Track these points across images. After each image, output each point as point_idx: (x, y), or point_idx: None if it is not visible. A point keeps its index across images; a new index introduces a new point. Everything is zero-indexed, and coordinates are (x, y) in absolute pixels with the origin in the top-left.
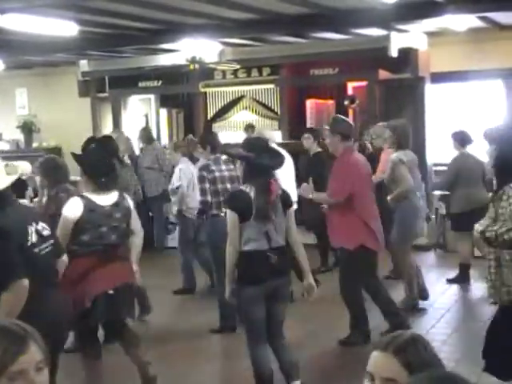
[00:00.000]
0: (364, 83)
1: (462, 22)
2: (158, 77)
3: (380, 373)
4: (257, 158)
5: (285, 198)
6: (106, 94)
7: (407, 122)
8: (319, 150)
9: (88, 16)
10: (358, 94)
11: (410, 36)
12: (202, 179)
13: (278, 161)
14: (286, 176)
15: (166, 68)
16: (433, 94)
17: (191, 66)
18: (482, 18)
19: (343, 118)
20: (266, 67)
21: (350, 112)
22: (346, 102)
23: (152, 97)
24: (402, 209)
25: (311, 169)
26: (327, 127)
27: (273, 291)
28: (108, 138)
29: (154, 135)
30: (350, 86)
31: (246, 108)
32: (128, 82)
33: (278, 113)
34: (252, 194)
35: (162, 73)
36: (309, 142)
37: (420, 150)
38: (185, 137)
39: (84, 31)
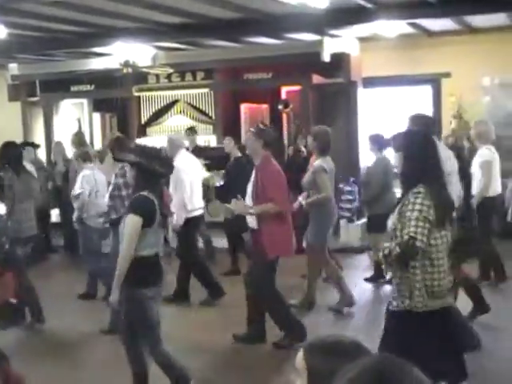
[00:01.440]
0: (297, 88)
1: (393, 28)
2: (91, 81)
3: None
4: (151, 165)
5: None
6: (37, 98)
7: (329, 129)
8: (239, 154)
9: (17, 18)
10: (292, 98)
11: (343, 41)
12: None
13: (169, 168)
14: (197, 182)
15: (98, 72)
16: (365, 98)
17: (124, 70)
18: (412, 25)
19: (269, 126)
20: (200, 71)
21: (284, 116)
22: (280, 107)
23: (85, 101)
24: (316, 215)
25: (230, 173)
26: (252, 129)
27: (159, 292)
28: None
29: (88, 140)
30: (284, 91)
31: (181, 112)
32: (60, 86)
33: (213, 117)
34: (156, 201)
35: (94, 77)
36: (229, 147)
37: (353, 153)
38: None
39: (13, 34)
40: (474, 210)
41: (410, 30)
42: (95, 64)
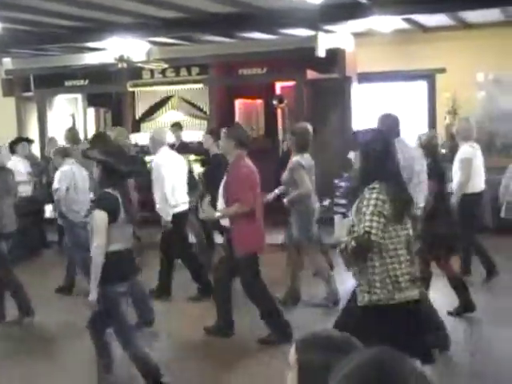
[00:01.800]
0: (292, 83)
1: (388, 23)
2: (85, 76)
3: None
4: (115, 163)
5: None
6: (31, 93)
7: (309, 127)
8: (217, 151)
9: (11, 13)
10: (286, 93)
11: (337, 37)
12: None
13: (134, 168)
14: (180, 177)
15: (93, 67)
16: (359, 93)
17: (119, 65)
18: (407, 20)
19: (241, 125)
20: (195, 67)
21: (279, 111)
22: (275, 102)
23: (79, 96)
24: (297, 212)
25: (208, 170)
26: (224, 129)
27: (128, 287)
28: None
29: (82, 135)
30: (279, 86)
31: (175, 108)
32: (54, 81)
33: (207, 112)
34: (119, 198)
35: (89, 72)
36: (208, 143)
37: (347, 149)
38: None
39: (7, 28)
40: (450, 206)
41: (404, 25)
42: (90, 59)
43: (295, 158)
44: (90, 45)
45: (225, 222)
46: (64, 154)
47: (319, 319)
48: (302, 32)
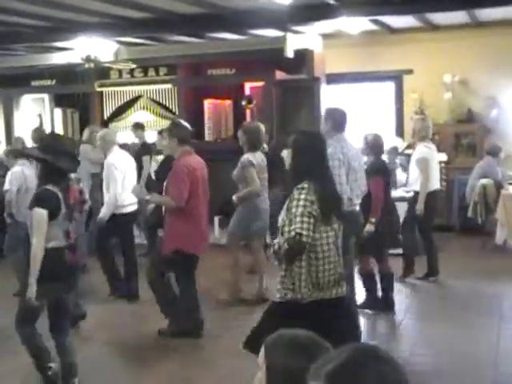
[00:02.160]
0: (261, 84)
1: (356, 24)
2: (52, 76)
3: None
4: (55, 161)
5: (82, 201)
6: None
7: (261, 126)
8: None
9: None
10: (255, 94)
11: (306, 37)
12: None
13: (74, 163)
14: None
15: (60, 67)
16: (328, 94)
17: (86, 65)
18: (374, 22)
19: (182, 122)
20: (163, 67)
21: (248, 112)
22: (244, 103)
23: (46, 96)
24: (243, 208)
25: (160, 169)
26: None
27: (70, 285)
28: None
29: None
30: (248, 87)
31: (144, 108)
32: (20, 81)
33: (176, 113)
34: (59, 194)
35: (55, 71)
36: (160, 144)
37: None
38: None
39: None
40: (392, 205)
41: (372, 26)
42: (56, 59)
43: (246, 156)
44: (57, 44)
45: None
46: (16, 154)
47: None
48: (271, 33)
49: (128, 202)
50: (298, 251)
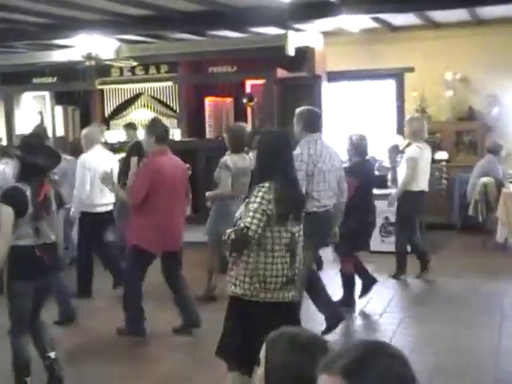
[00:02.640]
0: (262, 81)
1: (357, 22)
2: (53, 73)
3: None
4: (30, 158)
5: (58, 197)
6: None
7: (244, 126)
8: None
9: None
10: (256, 92)
11: (307, 35)
12: None
13: (53, 161)
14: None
15: (61, 64)
16: (329, 92)
17: (87, 63)
18: (376, 19)
19: (161, 120)
20: (164, 64)
21: (249, 110)
22: (245, 100)
23: (47, 94)
24: (214, 208)
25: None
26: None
27: (44, 283)
28: None
29: (50, 133)
30: (249, 84)
31: (145, 106)
32: (21, 78)
33: (177, 111)
34: (28, 192)
35: (56, 69)
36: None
37: None
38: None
39: None
40: (371, 205)
41: (373, 24)
42: (57, 56)
43: (225, 158)
44: (58, 42)
45: None
46: (1, 153)
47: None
48: (272, 30)
49: (99, 201)
50: (243, 243)
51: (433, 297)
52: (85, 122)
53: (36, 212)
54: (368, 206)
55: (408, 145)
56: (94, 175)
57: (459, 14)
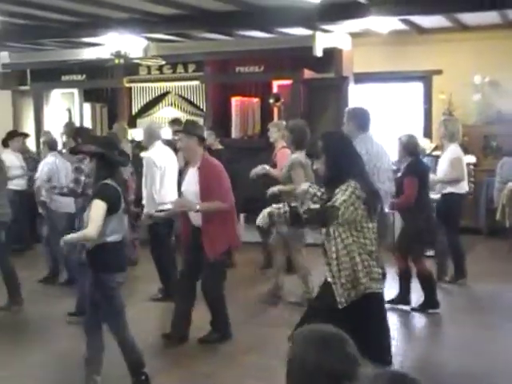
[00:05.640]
0: (289, 82)
1: (385, 24)
2: (82, 71)
3: None
4: (115, 156)
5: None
6: (27, 87)
7: (306, 124)
8: (220, 147)
9: (9, 6)
10: (283, 92)
11: (335, 36)
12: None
13: (126, 157)
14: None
15: (89, 62)
16: (356, 93)
17: (116, 61)
18: (404, 21)
19: (196, 121)
20: (192, 64)
21: (275, 110)
22: (271, 100)
23: (75, 91)
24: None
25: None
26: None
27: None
28: None
29: None
30: (275, 85)
31: (171, 104)
32: (51, 76)
33: (204, 109)
34: (118, 188)
35: (85, 67)
36: (211, 139)
37: None
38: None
39: (5, 22)
40: (430, 203)
41: (401, 26)
42: (87, 54)
43: (295, 156)
44: (87, 40)
45: (196, 222)
46: (50, 146)
47: None
48: (300, 31)
49: (167, 199)
50: (326, 219)
51: (458, 300)
52: (112, 119)
53: (127, 208)
54: (429, 203)
55: (436, 148)
56: (164, 174)
57: (488, 17)
